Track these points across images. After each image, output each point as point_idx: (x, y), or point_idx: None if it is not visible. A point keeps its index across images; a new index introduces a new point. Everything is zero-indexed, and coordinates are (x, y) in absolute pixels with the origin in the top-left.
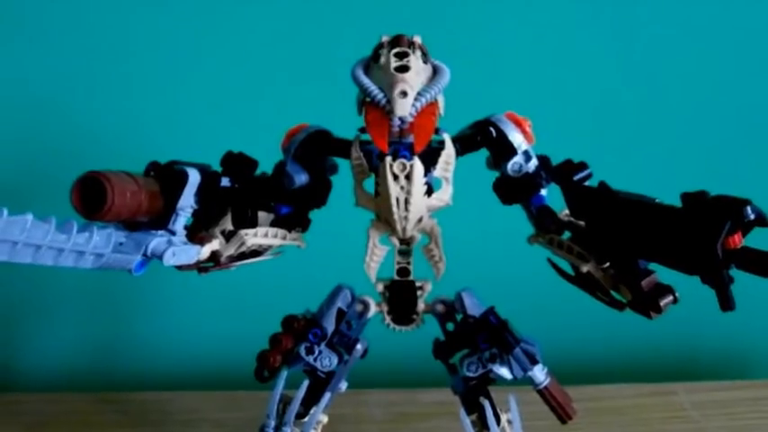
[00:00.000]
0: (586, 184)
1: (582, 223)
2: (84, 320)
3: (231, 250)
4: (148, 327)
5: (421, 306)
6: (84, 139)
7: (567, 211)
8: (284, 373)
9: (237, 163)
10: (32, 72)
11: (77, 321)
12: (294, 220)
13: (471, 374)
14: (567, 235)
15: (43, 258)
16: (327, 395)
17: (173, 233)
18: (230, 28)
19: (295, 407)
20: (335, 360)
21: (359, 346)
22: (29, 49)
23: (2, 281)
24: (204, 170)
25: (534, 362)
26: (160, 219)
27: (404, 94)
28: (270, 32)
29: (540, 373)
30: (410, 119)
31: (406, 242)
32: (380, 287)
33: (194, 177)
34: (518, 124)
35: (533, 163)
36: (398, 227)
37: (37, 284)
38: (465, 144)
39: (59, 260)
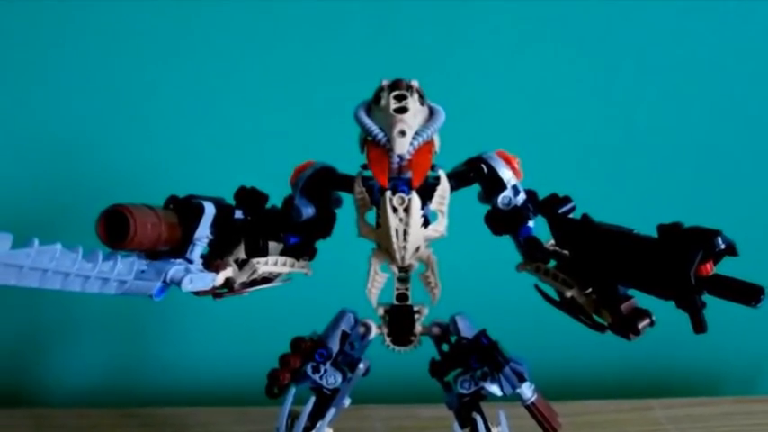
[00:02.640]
0: (570, 216)
1: (566, 252)
2: (108, 341)
3: (244, 277)
4: (168, 347)
5: (418, 328)
6: (108, 175)
7: (552, 242)
8: (293, 390)
9: (249, 197)
10: (62, 115)
11: (103, 342)
12: (302, 250)
13: (464, 391)
14: (552, 263)
15: (71, 285)
16: (332, 410)
17: (190, 261)
18: (244, 74)
19: (302, 421)
20: (340, 378)
21: (361, 365)
22: (58, 93)
23: (34, 306)
24: (219, 203)
25: (522, 379)
26: (178, 248)
27: (402, 133)
28: (280, 79)
29: (527, 390)
30: (408, 156)
31: (405, 270)
32: (381, 311)
33: (210, 210)
34: (507, 161)
35: (521, 197)
36: (398, 256)
37: (66, 309)
38: (459, 179)
39: (86, 286)
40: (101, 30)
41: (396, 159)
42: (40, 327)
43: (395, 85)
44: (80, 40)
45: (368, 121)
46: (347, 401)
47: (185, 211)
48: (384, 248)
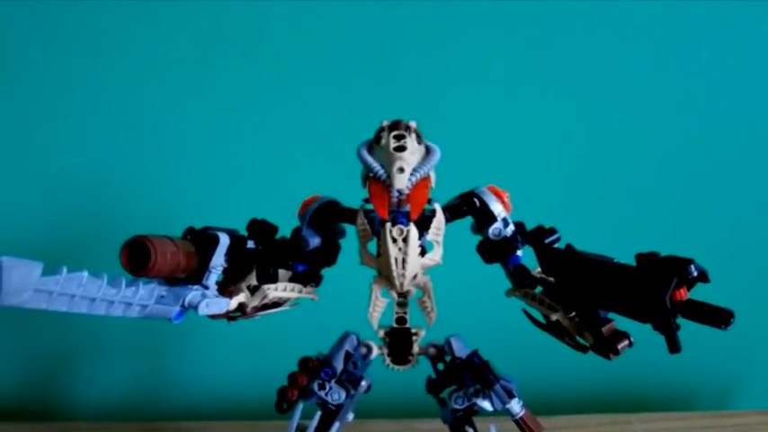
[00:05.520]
0: (556, 246)
1: (552, 279)
2: (131, 361)
3: (255, 302)
4: (186, 366)
5: (416, 349)
6: (131, 208)
7: (539, 269)
8: (300, 406)
9: (261, 228)
10: (90, 155)
11: (126, 361)
12: (309, 277)
13: (458, 407)
14: (539, 289)
15: (97, 309)
16: (337, 424)
17: (206, 287)
18: (256, 115)
19: None
20: (344, 394)
21: (363, 383)
22: (84, 132)
23: (63, 328)
24: (233, 234)
25: (511, 396)
26: (195, 275)
27: (401, 170)
28: (288, 121)
29: (516, 406)
30: (407, 191)
31: (403, 295)
32: (381, 333)
33: (224, 240)
34: (498, 195)
35: (511, 228)
36: (397, 282)
37: (92, 331)
38: (453, 212)
39: (110, 310)
40: (122, 69)
41: (395, 194)
42: (69, 347)
43: (394, 125)
44: (103, 80)
45: (369, 159)
46: (350, 416)
47: (202, 241)
48: (384, 275)
